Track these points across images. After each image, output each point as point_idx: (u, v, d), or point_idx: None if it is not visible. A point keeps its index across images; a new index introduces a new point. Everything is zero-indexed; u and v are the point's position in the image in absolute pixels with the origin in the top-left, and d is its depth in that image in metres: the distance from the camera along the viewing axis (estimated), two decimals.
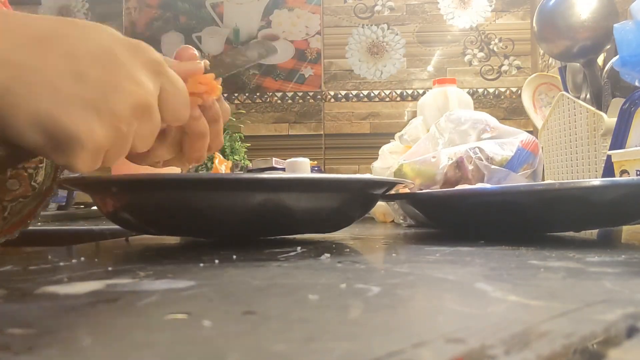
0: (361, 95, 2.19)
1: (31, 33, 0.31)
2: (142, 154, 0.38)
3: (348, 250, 0.44)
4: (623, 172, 0.65)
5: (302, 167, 1.19)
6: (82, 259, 0.37)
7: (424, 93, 1.70)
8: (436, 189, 0.72)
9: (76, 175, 0.58)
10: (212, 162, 1.27)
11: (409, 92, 2.18)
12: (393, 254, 0.42)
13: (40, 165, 0.55)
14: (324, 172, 1.99)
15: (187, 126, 0.38)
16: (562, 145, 1.03)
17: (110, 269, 0.33)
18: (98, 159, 0.32)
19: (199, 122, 0.39)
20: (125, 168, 0.73)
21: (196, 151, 0.40)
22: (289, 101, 2.20)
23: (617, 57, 0.75)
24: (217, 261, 0.35)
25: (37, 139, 0.30)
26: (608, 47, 0.95)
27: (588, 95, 0.98)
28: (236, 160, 1.33)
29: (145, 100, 0.33)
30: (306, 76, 2.20)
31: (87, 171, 0.33)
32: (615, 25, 0.74)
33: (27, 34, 0.31)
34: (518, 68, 2.17)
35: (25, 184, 0.54)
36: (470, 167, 0.71)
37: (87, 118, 0.30)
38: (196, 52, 0.41)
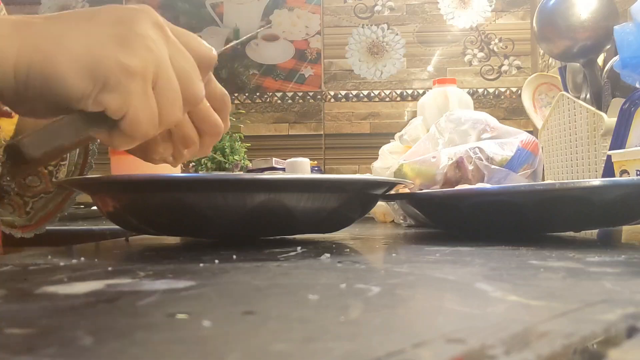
0: (361, 95, 2.19)
1: (28, 18, 0.33)
2: (147, 149, 0.39)
3: (348, 250, 0.44)
4: (623, 172, 0.65)
5: (302, 167, 1.19)
6: (82, 259, 0.37)
7: (424, 93, 1.70)
8: (436, 189, 0.72)
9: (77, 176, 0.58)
10: (215, 156, 1.27)
11: (409, 92, 2.18)
12: (393, 254, 0.42)
13: (62, 163, 0.56)
14: (324, 172, 1.99)
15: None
16: (562, 145, 1.03)
17: (110, 269, 0.33)
18: (148, 89, 0.33)
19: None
20: (125, 168, 0.73)
21: (187, 141, 0.40)
22: (289, 101, 2.20)
23: (617, 57, 0.75)
24: (217, 261, 0.35)
25: (84, 83, 0.31)
26: (608, 47, 0.95)
27: (588, 95, 0.98)
28: (236, 160, 1.33)
29: (162, 20, 0.35)
30: (306, 76, 2.20)
31: (144, 119, 0.33)
32: (615, 27, 0.74)
33: (25, 19, 0.33)
34: (518, 68, 2.17)
35: (45, 180, 0.55)
36: (470, 167, 0.71)
37: (120, 47, 0.32)
38: None
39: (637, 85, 0.74)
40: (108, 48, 0.32)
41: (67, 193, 0.56)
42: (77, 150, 0.57)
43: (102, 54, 0.31)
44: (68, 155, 0.56)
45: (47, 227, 0.59)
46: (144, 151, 0.40)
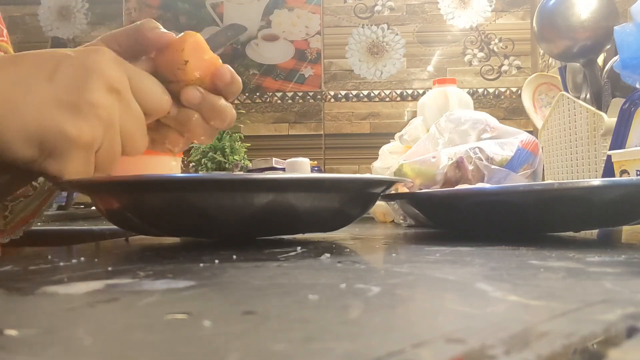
0: (361, 95, 2.19)
1: (4, 62, 0.33)
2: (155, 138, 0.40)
3: (348, 250, 0.44)
4: (623, 172, 0.65)
5: (302, 167, 1.19)
6: (82, 259, 0.37)
7: (424, 93, 1.70)
8: (436, 189, 0.72)
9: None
10: (215, 156, 1.27)
11: (409, 92, 2.18)
12: (393, 254, 0.42)
13: None
14: (324, 172, 1.99)
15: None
16: (562, 145, 1.03)
17: (110, 269, 0.33)
18: (90, 157, 0.34)
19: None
20: (125, 168, 0.73)
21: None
22: (289, 101, 2.20)
23: (617, 58, 0.75)
24: (217, 261, 0.35)
25: (31, 151, 0.32)
26: (608, 47, 0.95)
27: (588, 95, 0.98)
28: (236, 160, 1.33)
29: (117, 81, 0.34)
30: (306, 76, 2.20)
31: (82, 177, 0.34)
32: (615, 27, 0.74)
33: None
34: (518, 68, 2.17)
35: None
36: (470, 167, 0.71)
37: (70, 117, 0.32)
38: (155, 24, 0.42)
39: (638, 86, 0.74)
40: (58, 118, 0.32)
41: (46, 197, 0.56)
42: None
43: (50, 125, 0.32)
44: None
45: (47, 228, 0.59)
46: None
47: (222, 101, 0.43)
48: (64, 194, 1.37)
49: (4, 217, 0.52)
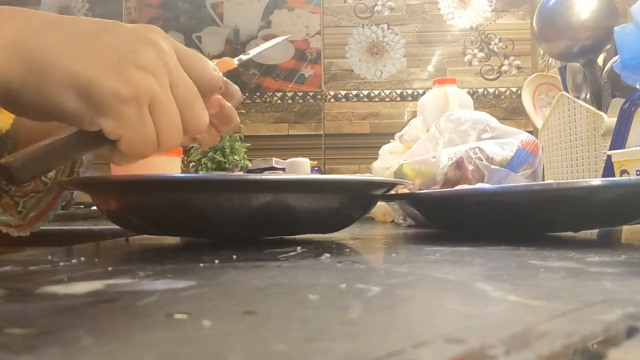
0: (361, 95, 2.19)
1: (40, 18, 0.33)
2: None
3: (348, 250, 0.44)
4: (623, 172, 0.65)
5: (302, 167, 1.19)
6: (82, 259, 0.37)
7: (424, 93, 1.70)
8: (436, 189, 0.72)
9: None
10: (216, 154, 1.27)
11: (409, 92, 2.18)
12: (393, 254, 0.42)
13: None
14: (324, 172, 1.99)
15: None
16: (562, 145, 1.03)
17: (110, 269, 0.33)
18: (144, 114, 0.33)
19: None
20: (126, 168, 0.73)
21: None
22: (289, 101, 2.20)
23: (618, 58, 0.75)
24: (217, 261, 0.35)
25: (75, 103, 0.31)
26: (608, 47, 0.95)
27: (588, 95, 0.98)
28: (236, 160, 1.33)
29: (167, 53, 0.34)
30: (306, 76, 2.20)
31: (140, 137, 0.33)
32: (615, 28, 0.74)
33: (37, 19, 0.33)
34: (518, 68, 2.17)
35: (35, 180, 0.55)
36: (470, 167, 0.71)
37: (119, 75, 0.32)
38: None
39: (638, 86, 0.74)
40: (105, 73, 0.31)
41: (59, 191, 0.56)
42: None
43: (97, 79, 0.31)
44: None
45: (47, 228, 0.59)
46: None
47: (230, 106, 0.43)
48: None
49: (18, 212, 0.53)
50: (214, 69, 0.37)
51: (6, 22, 0.32)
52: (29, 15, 0.33)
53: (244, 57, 0.46)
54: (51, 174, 0.54)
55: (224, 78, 0.40)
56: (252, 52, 0.48)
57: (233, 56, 0.47)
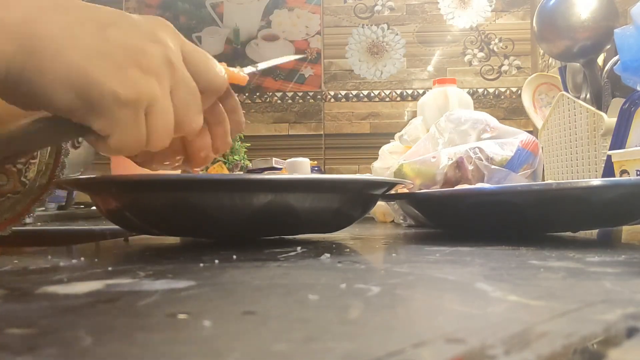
0: (361, 95, 2.20)
1: (44, 2, 0.31)
2: (149, 156, 0.38)
3: (348, 250, 0.44)
4: (623, 172, 0.65)
5: (302, 167, 1.19)
6: (82, 259, 0.37)
7: (424, 93, 1.70)
8: (436, 189, 0.72)
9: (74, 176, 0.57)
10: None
11: (409, 92, 2.18)
12: (393, 254, 0.42)
13: (32, 161, 0.53)
14: (324, 172, 1.99)
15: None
16: (562, 145, 1.03)
17: (110, 269, 0.33)
18: (139, 118, 0.32)
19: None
20: (126, 168, 0.73)
21: (200, 150, 0.39)
22: (289, 101, 2.20)
23: (618, 58, 0.75)
24: (217, 261, 0.35)
25: (70, 100, 0.30)
26: (608, 47, 0.95)
27: (588, 95, 0.98)
28: (236, 160, 1.33)
29: (172, 51, 0.33)
30: (306, 76, 2.20)
31: (132, 139, 0.32)
32: (615, 30, 0.74)
33: (40, 3, 0.31)
34: (518, 68, 2.17)
35: (14, 179, 0.53)
36: (470, 167, 0.71)
37: (115, 72, 0.30)
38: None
39: (638, 88, 0.74)
40: (106, 73, 0.30)
41: (37, 195, 0.54)
42: (49, 149, 0.55)
43: (97, 78, 0.30)
44: (39, 153, 0.54)
45: (47, 228, 0.59)
46: (148, 162, 0.39)
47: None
48: (63, 193, 1.37)
49: None
50: (220, 70, 0.37)
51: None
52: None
53: (252, 70, 0.45)
54: (31, 174, 0.53)
55: (231, 91, 0.40)
56: (261, 66, 0.47)
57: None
